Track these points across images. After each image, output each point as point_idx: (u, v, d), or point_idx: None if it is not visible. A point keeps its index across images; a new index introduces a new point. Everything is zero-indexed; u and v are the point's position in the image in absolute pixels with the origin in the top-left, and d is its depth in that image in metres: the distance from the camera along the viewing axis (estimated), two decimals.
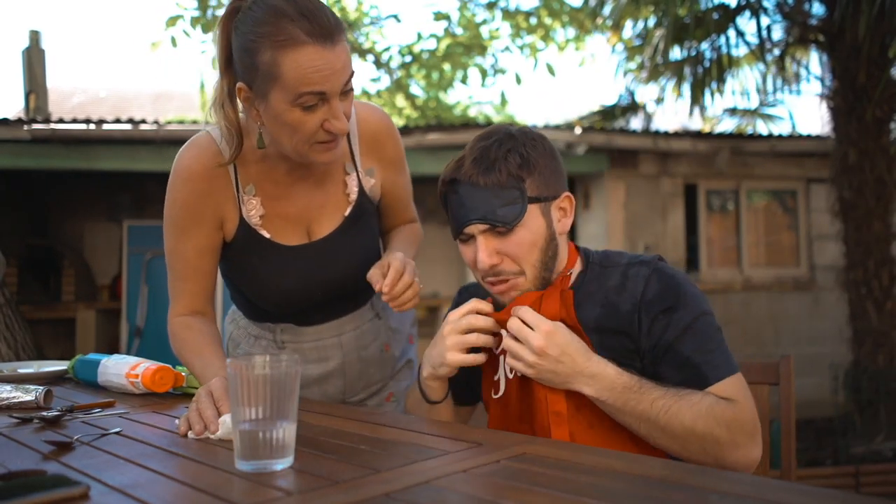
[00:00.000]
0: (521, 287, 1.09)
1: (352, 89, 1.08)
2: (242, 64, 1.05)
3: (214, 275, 1.24)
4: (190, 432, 0.95)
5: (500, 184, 1.04)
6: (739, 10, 4.56)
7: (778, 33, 4.82)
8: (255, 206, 1.19)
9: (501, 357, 1.12)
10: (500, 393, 1.13)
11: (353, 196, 1.25)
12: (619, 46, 5.64)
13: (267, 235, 1.21)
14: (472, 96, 9.59)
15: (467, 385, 1.21)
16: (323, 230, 1.24)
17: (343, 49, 1.04)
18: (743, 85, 5.72)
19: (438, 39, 8.20)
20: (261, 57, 1.01)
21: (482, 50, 8.05)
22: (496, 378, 1.14)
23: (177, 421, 1.01)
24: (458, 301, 1.24)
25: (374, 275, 1.14)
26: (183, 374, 1.34)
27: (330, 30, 1.01)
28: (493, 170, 1.05)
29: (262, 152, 1.17)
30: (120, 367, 1.36)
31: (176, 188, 1.18)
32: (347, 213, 1.24)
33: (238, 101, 1.10)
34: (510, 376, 1.11)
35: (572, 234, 6.63)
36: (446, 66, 8.23)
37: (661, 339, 1.03)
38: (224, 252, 1.24)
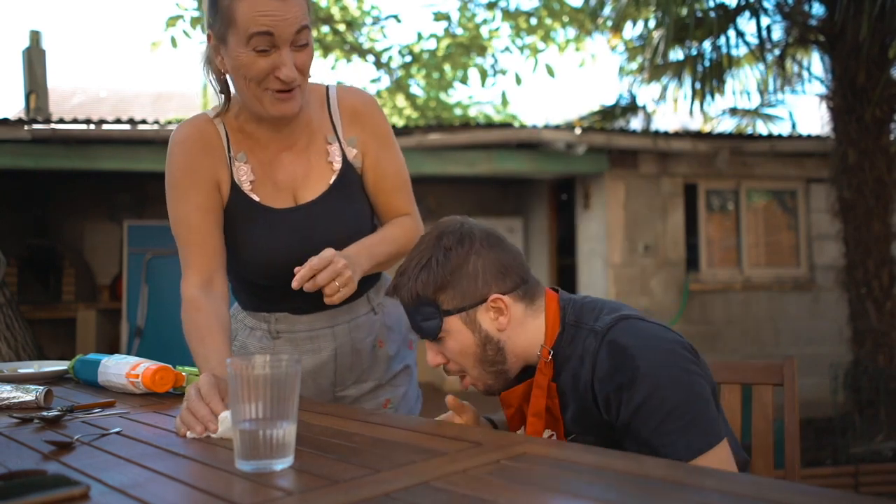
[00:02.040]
0: (474, 383, 1.13)
1: (307, 44, 1.14)
2: (209, 11, 1.15)
3: (220, 237, 1.25)
4: (189, 433, 0.96)
5: (412, 303, 1.09)
6: (739, 10, 4.56)
7: (778, 33, 4.82)
8: (245, 172, 1.26)
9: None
10: None
11: (337, 165, 1.29)
12: (620, 47, 5.64)
13: (256, 199, 1.26)
14: (472, 96, 9.58)
15: None
16: (308, 196, 1.28)
17: (297, 3, 1.11)
18: (743, 85, 5.73)
19: (438, 39, 8.20)
20: (221, 2, 1.11)
21: (482, 50, 8.05)
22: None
23: (177, 422, 1.00)
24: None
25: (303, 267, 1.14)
26: (183, 374, 1.35)
27: None
28: (403, 290, 1.10)
29: (251, 122, 1.25)
30: (120, 368, 1.36)
31: (174, 154, 1.25)
32: (332, 180, 1.28)
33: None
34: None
35: (572, 235, 6.61)
36: (446, 67, 8.24)
37: (618, 419, 0.98)
38: None
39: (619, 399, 0.97)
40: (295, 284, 1.11)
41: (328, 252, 1.14)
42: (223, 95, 1.23)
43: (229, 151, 1.25)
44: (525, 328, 1.10)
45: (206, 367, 1.12)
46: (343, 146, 1.30)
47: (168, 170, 1.25)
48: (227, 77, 1.21)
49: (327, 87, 1.32)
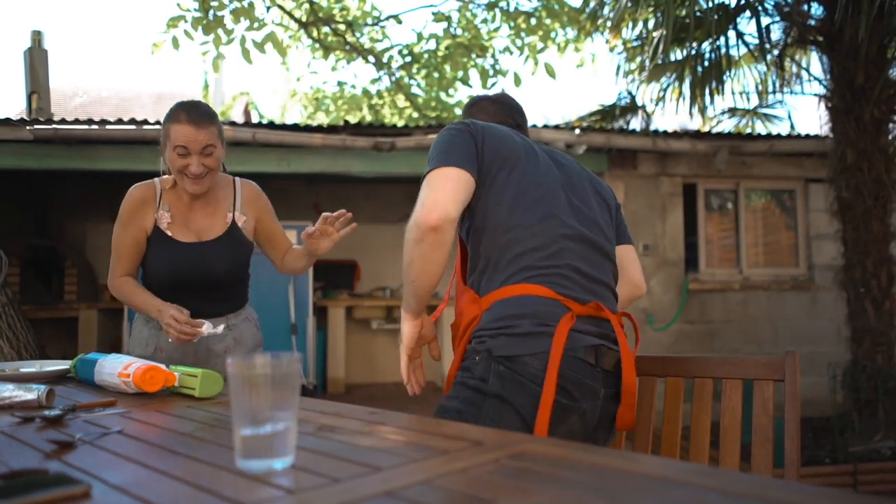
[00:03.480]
0: None
1: (212, 154, 1.86)
2: (163, 124, 1.92)
3: (138, 258, 1.99)
4: (186, 336, 1.72)
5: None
6: (739, 10, 4.56)
7: (777, 34, 4.83)
8: (166, 217, 1.96)
9: None
10: None
11: (229, 223, 2.00)
12: (619, 47, 5.64)
13: (169, 234, 1.95)
14: (472, 97, 9.58)
15: None
16: (207, 238, 1.97)
17: (207, 130, 1.84)
18: (742, 85, 5.73)
19: (438, 40, 8.20)
20: (165, 123, 1.89)
21: (482, 50, 8.05)
22: None
23: (171, 333, 1.73)
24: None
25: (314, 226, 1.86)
26: (175, 373, 1.35)
27: (199, 118, 1.83)
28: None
29: (179, 190, 1.96)
30: (113, 367, 1.37)
31: (125, 202, 1.97)
32: (224, 231, 1.99)
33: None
34: None
35: None
36: (447, 67, 8.23)
37: None
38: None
39: None
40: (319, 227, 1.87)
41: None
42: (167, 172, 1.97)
43: (159, 204, 1.96)
44: None
45: (151, 302, 1.85)
46: (236, 214, 2.01)
47: (120, 210, 1.96)
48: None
49: (234, 179, 2.06)
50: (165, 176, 2.00)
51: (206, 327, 1.73)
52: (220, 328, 1.79)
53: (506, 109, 1.75)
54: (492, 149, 1.44)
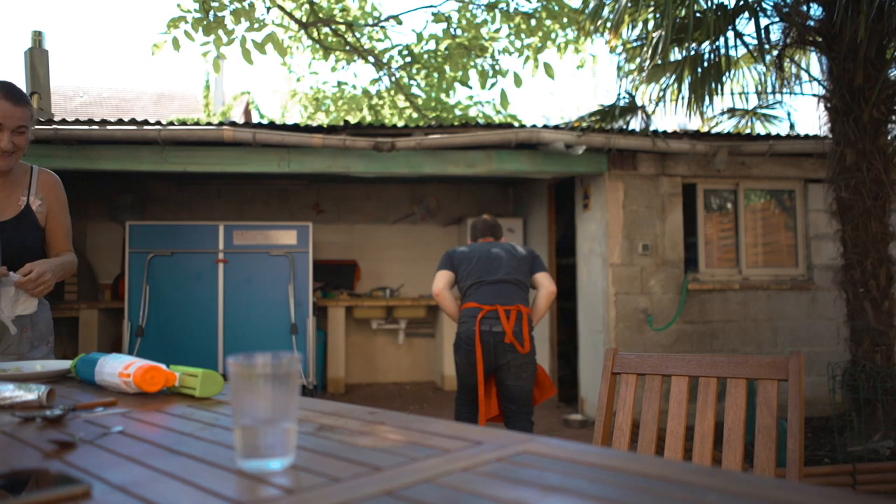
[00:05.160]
0: None
1: (24, 134, 1.96)
2: None
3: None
4: None
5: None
6: (738, 11, 4.57)
7: (776, 35, 4.82)
8: None
9: None
10: None
11: (22, 206, 2.07)
12: (619, 48, 5.64)
13: None
14: (472, 97, 9.58)
15: None
16: (2, 218, 2.03)
17: (21, 109, 1.93)
18: (742, 86, 5.73)
19: (438, 41, 8.20)
20: None
21: (482, 51, 8.06)
22: None
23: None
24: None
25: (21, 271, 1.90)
26: (176, 374, 1.35)
27: (17, 97, 1.92)
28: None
29: None
30: (114, 367, 1.37)
31: None
32: (16, 213, 2.05)
33: None
34: None
35: (572, 235, 6.61)
36: (446, 68, 8.24)
37: None
38: None
39: None
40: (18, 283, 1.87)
41: (41, 267, 1.91)
42: None
43: None
44: None
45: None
46: (31, 198, 2.09)
47: None
48: None
49: (32, 166, 2.16)
50: None
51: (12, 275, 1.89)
52: (13, 277, 1.90)
53: (484, 226, 3.90)
54: (457, 261, 3.67)
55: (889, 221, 4.29)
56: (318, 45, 8.28)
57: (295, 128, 5.25)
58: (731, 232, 5.96)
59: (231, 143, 5.10)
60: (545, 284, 3.56)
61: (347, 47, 8.16)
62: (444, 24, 8.06)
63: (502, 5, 7.87)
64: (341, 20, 8.18)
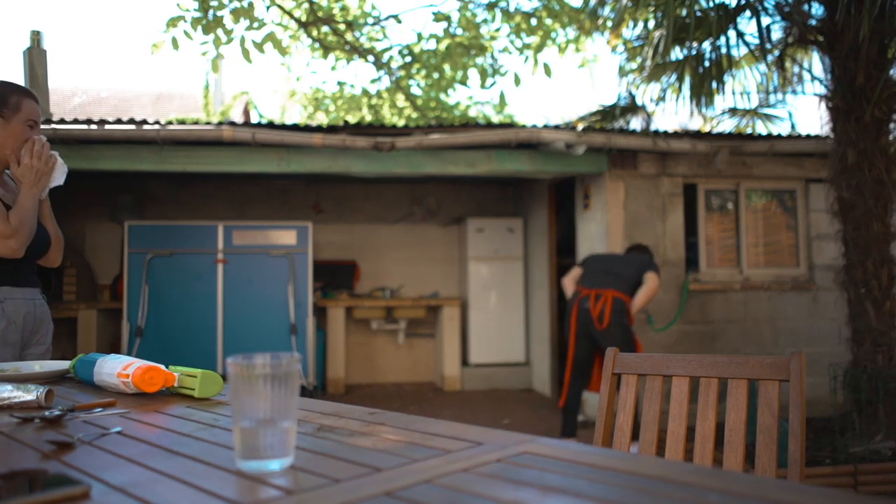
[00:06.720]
0: None
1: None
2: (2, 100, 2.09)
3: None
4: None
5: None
6: (739, 10, 4.56)
7: (777, 34, 4.82)
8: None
9: None
10: None
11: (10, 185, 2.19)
12: (620, 47, 5.64)
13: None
14: (472, 97, 9.58)
15: None
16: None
17: (41, 112, 2.13)
18: (743, 85, 5.72)
19: (438, 40, 8.20)
20: (13, 97, 2.09)
21: (482, 50, 8.06)
22: None
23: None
24: None
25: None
26: (175, 374, 1.35)
27: (35, 96, 2.15)
28: None
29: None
30: (113, 367, 1.37)
31: None
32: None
33: None
34: None
35: (572, 235, 6.64)
36: (446, 67, 8.24)
37: None
38: None
39: None
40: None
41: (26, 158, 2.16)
42: None
43: None
44: None
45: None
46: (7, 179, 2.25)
47: None
48: None
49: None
50: None
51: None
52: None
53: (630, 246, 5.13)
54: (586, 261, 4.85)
55: (891, 221, 4.29)
56: (317, 45, 8.28)
57: (294, 127, 5.25)
58: (732, 232, 5.96)
59: (230, 142, 5.10)
60: (649, 283, 4.60)
61: (347, 46, 8.16)
62: (444, 24, 8.06)
63: (502, 4, 7.87)
64: (341, 19, 8.18)
